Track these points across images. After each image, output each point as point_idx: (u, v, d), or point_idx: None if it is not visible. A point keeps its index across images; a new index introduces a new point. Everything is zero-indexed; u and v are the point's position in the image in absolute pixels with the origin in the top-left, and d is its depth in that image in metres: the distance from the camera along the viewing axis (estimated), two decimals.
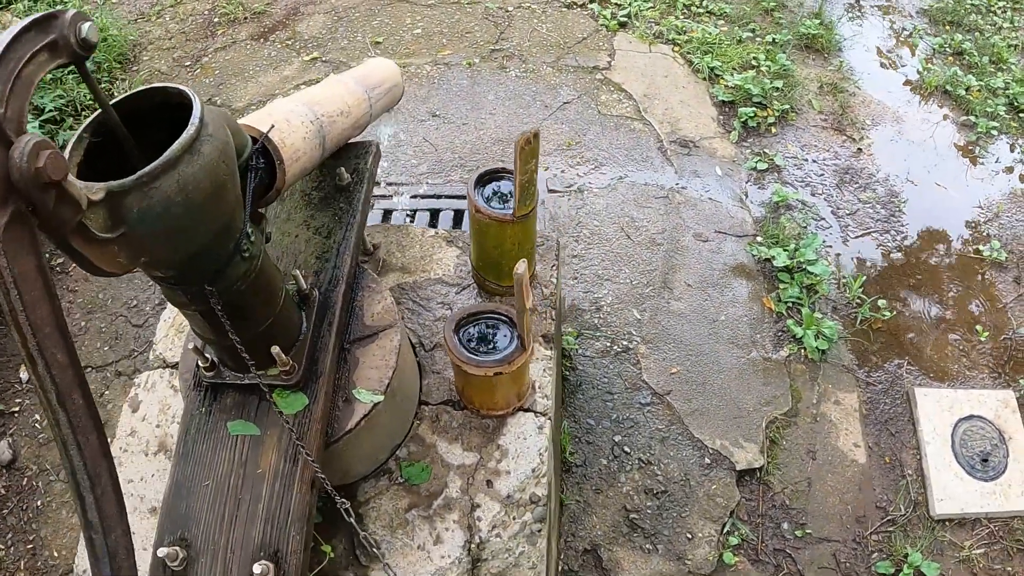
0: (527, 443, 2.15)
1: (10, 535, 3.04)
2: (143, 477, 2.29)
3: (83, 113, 4.38)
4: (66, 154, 1.32)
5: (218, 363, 1.88)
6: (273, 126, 1.80)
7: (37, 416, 3.35)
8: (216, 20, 5.07)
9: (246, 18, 5.01)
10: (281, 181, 1.82)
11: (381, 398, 1.92)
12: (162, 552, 1.67)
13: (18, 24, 1.13)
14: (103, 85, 4.57)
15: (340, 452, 1.94)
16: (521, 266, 1.68)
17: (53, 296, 1.17)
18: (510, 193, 2.20)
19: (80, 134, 1.35)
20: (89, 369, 3.45)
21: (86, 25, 1.19)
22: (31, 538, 3.02)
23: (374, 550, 1.85)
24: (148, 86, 1.43)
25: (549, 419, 2.21)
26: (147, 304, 3.59)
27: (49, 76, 4.32)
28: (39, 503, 3.10)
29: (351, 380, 1.96)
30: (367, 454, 2.05)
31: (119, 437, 2.40)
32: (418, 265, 2.45)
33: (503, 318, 2.00)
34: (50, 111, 4.13)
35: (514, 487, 2.09)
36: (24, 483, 3.18)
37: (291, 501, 1.75)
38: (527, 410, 2.20)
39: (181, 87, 1.41)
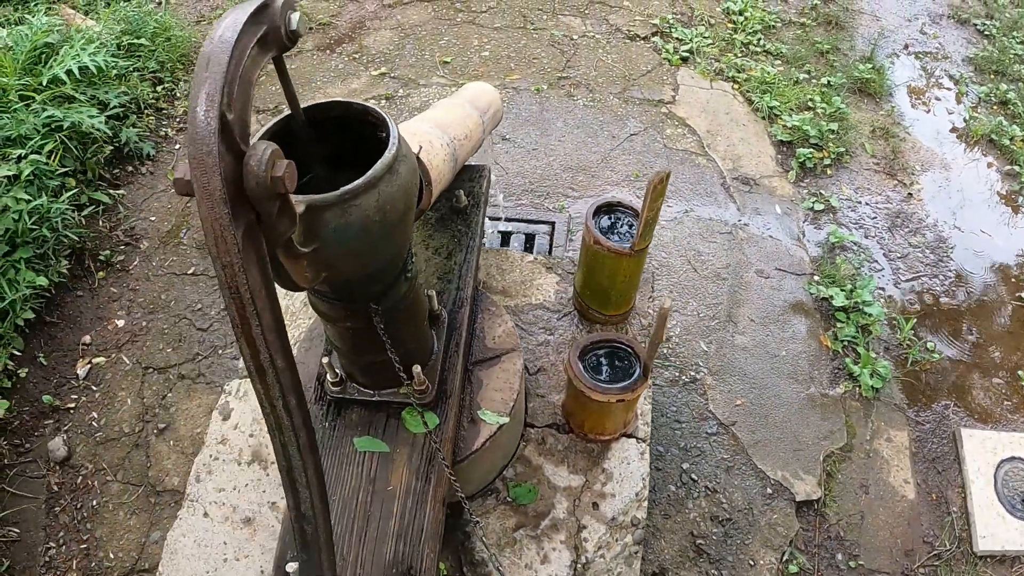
0: (631, 468, 2.22)
1: (62, 533, 3.01)
2: (236, 487, 2.31)
3: (145, 111, 4.41)
4: None
5: (345, 379, 1.93)
6: (421, 147, 1.85)
7: (95, 414, 3.35)
8: None
9: (311, 28, 5.06)
10: (427, 202, 1.88)
11: (507, 420, 1.97)
12: (291, 567, 1.67)
13: (239, 15, 1.07)
14: (167, 84, 4.61)
15: (460, 471, 1.99)
16: (667, 302, 1.75)
17: (275, 303, 1.15)
18: (623, 226, 2.27)
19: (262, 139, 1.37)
20: (151, 370, 3.45)
21: (295, 16, 1.17)
22: (85, 538, 2.99)
23: (499, 570, 1.90)
24: (334, 99, 1.46)
25: (649, 445, 2.28)
26: (212, 308, 3.62)
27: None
28: (95, 503, 3.07)
29: (475, 401, 2.02)
30: (483, 474, 2.11)
31: (208, 444, 2.42)
32: (519, 290, 2.52)
33: (625, 347, 2.07)
34: (114, 107, 4.15)
35: (619, 510, 2.16)
36: (79, 481, 3.15)
37: (424, 518, 1.78)
38: (630, 436, 2.27)
39: (368, 105, 1.46)
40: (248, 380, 2.53)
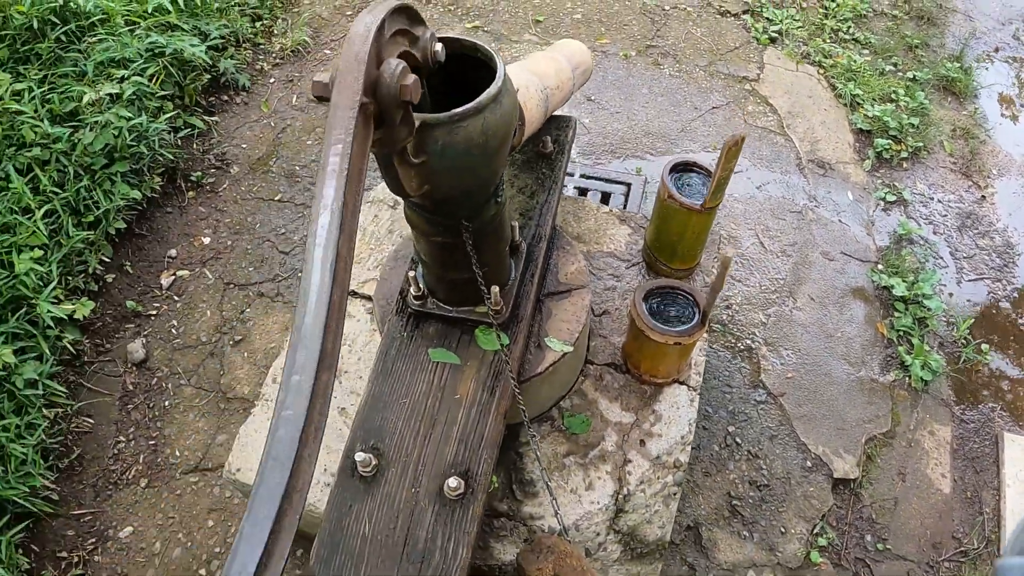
0: (679, 412, 2.33)
1: (132, 429, 3.22)
2: None
3: (243, 45, 4.60)
4: None
5: (427, 294, 2.07)
6: (519, 89, 1.98)
7: (175, 322, 3.55)
8: None
9: None
10: (519, 140, 2.01)
11: (571, 348, 2.10)
12: (359, 456, 1.82)
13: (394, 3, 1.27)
14: (265, 21, 4.78)
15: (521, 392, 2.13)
16: (730, 252, 1.86)
17: (360, 189, 1.16)
18: (696, 186, 2.38)
19: None
20: (232, 286, 3.65)
21: (439, 45, 1.37)
22: (154, 435, 3.20)
23: (543, 481, 2.04)
24: (448, 35, 1.61)
25: (699, 394, 2.39)
26: (296, 233, 3.80)
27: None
28: (167, 403, 3.28)
29: (543, 329, 2.16)
30: (542, 399, 2.24)
31: (287, 349, 2.59)
32: (592, 237, 2.64)
33: (686, 295, 2.18)
34: (214, 38, 4.35)
35: (663, 450, 2.27)
36: (153, 383, 3.35)
37: (485, 427, 1.91)
38: (682, 383, 2.38)
39: (477, 42, 1.60)
40: None
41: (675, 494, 2.30)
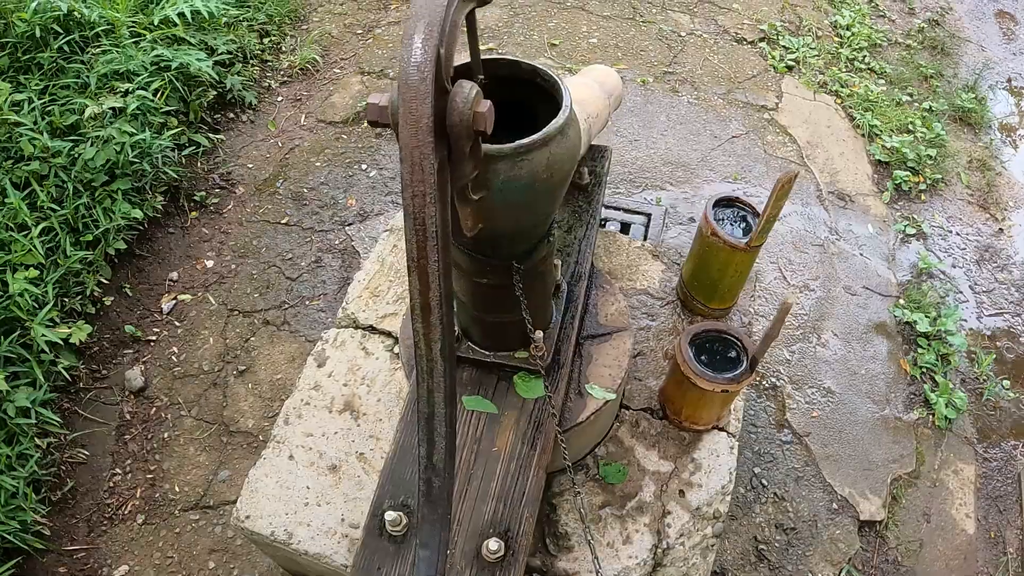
0: (719, 460, 2.23)
1: (129, 462, 3.08)
2: (324, 433, 2.33)
3: (250, 61, 4.48)
4: None
5: (462, 337, 1.95)
6: None
7: (175, 349, 3.42)
8: None
9: None
10: None
11: (614, 396, 1.99)
12: (389, 516, 1.70)
13: None
14: (273, 37, 4.67)
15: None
16: (791, 298, 1.76)
17: (449, 244, 1.15)
18: (738, 222, 2.28)
19: None
20: (236, 313, 3.52)
21: None
22: (152, 468, 3.06)
23: (585, 538, 1.92)
24: (506, 56, 1.49)
25: (737, 441, 2.29)
26: (303, 259, 3.68)
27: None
28: (166, 435, 3.14)
29: (583, 374, 2.04)
30: (578, 448, 2.13)
31: (300, 389, 2.45)
32: (624, 273, 2.53)
33: (733, 339, 2.08)
34: (221, 53, 4.23)
35: (703, 500, 2.17)
36: (152, 412, 3.21)
37: (526, 483, 1.79)
38: (721, 429, 2.28)
39: (537, 65, 1.49)
40: (345, 330, 2.57)
41: (713, 546, 2.20)
